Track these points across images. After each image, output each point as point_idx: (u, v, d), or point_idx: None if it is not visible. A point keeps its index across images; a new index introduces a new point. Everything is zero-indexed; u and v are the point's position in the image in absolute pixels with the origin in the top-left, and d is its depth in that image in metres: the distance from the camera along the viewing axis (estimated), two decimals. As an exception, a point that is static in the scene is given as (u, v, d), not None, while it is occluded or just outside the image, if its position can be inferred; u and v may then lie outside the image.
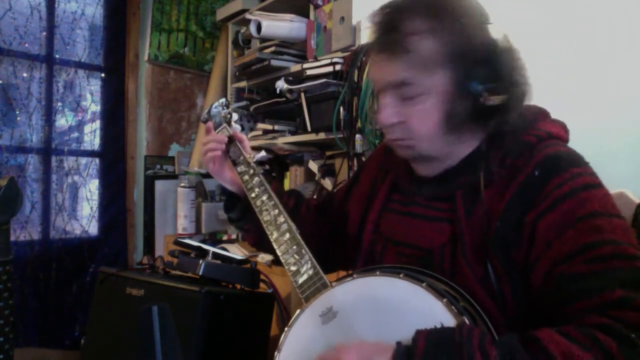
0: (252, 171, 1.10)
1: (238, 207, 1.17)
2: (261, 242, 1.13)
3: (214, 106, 1.22)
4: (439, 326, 0.74)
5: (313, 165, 2.16)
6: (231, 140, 1.16)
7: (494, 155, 0.86)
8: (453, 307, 0.76)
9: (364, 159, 1.77)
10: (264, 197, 1.06)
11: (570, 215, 0.77)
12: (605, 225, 0.75)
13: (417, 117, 0.85)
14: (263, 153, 1.24)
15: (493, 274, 0.80)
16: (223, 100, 1.24)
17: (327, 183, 2.04)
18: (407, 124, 0.86)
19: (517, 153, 0.84)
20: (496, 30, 0.84)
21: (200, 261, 1.51)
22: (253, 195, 1.07)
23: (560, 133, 0.89)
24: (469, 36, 0.82)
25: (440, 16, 0.82)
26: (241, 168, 1.12)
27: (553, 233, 0.77)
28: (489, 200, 0.84)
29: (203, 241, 2.16)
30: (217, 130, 1.19)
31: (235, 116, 1.22)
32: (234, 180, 1.15)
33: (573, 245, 0.75)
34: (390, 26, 0.85)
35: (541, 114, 0.92)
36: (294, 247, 0.96)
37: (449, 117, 0.84)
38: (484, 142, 0.88)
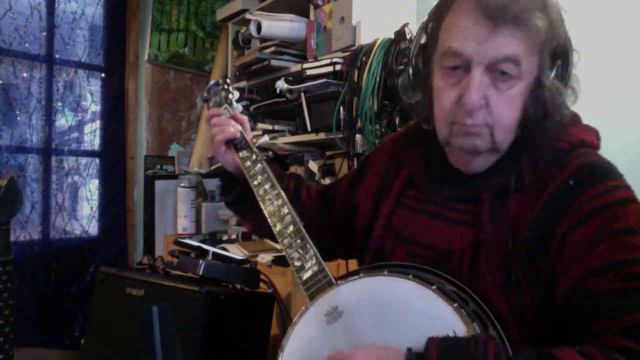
0: (254, 157, 1.04)
1: (235, 191, 1.11)
2: (260, 228, 1.09)
3: (212, 84, 1.15)
4: (448, 332, 0.72)
5: (313, 165, 2.17)
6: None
7: (526, 159, 0.82)
8: (463, 311, 0.74)
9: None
10: (267, 186, 1.00)
11: (603, 230, 0.74)
12: None
13: (503, 102, 0.78)
14: (266, 138, 1.16)
15: (515, 283, 0.77)
16: (222, 78, 1.17)
17: (327, 183, 2.04)
18: (490, 108, 0.79)
19: (549, 159, 0.81)
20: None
21: (200, 261, 1.51)
22: (255, 182, 1.01)
23: (593, 141, 0.85)
24: (562, 27, 0.80)
25: (550, 5, 0.79)
26: (243, 153, 1.05)
27: (584, 246, 0.74)
28: (518, 206, 0.80)
29: (203, 241, 2.16)
30: None
31: (236, 95, 1.15)
32: (236, 163, 1.08)
33: (605, 260, 0.72)
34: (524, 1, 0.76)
35: (574, 119, 0.87)
36: (298, 240, 0.92)
37: (527, 108, 0.80)
38: (515, 144, 0.84)
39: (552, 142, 0.82)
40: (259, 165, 1.03)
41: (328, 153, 2.14)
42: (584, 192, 0.76)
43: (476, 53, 0.77)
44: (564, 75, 0.82)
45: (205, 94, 1.16)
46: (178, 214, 2.62)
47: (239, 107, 1.14)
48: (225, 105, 1.12)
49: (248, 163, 1.04)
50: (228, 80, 1.17)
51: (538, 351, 0.69)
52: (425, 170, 0.94)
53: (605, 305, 0.71)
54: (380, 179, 1.03)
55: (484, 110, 0.79)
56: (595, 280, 0.72)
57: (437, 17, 0.85)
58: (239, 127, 1.08)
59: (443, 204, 0.89)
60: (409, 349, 0.71)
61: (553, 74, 0.80)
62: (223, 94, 1.14)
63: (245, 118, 1.12)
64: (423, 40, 0.89)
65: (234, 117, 1.10)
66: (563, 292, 0.75)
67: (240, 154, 1.06)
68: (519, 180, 0.81)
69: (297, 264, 0.91)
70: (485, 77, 0.78)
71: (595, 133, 0.87)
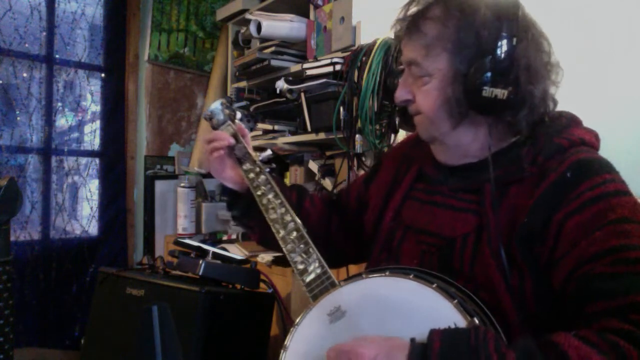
0: (258, 169, 1.08)
1: (240, 205, 1.16)
2: (266, 239, 1.12)
3: (216, 104, 1.19)
4: (449, 325, 0.73)
5: (313, 165, 2.17)
6: (236, 138, 1.13)
7: (526, 152, 0.87)
8: (463, 308, 0.76)
9: (364, 159, 1.77)
10: (270, 196, 1.04)
11: (599, 218, 0.77)
12: (634, 231, 0.75)
13: (420, 95, 0.91)
14: (269, 152, 1.20)
15: (515, 269, 0.81)
16: (226, 98, 1.21)
17: (327, 183, 2.04)
18: (415, 102, 0.92)
19: (548, 154, 0.85)
20: (524, 28, 0.85)
21: (200, 261, 1.51)
22: (259, 193, 1.05)
23: (592, 141, 0.89)
24: (478, 27, 0.84)
25: (454, 6, 0.87)
26: (247, 166, 1.10)
27: (580, 233, 0.77)
28: (517, 196, 0.85)
29: (203, 241, 2.16)
30: (221, 128, 1.16)
31: (239, 115, 1.20)
32: (235, 179, 1.13)
33: (600, 246, 0.75)
34: (418, 11, 0.92)
35: (574, 121, 0.92)
36: (302, 245, 0.95)
37: (447, 101, 0.87)
38: (518, 140, 0.89)
39: (552, 138, 0.87)
40: (262, 177, 1.07)
41: (328, 153, 2.14)
42: (581, 183, 0.80)
43: (402, 59, 0.95)
44: (500, 70, 0.83)
45: (209, 113, 1.19)
46: (178, 214, 2.62)
47: (240, 124, 1.18)
48: (229, 122, 1.16)
49: (252, 175, 1.08)
50: (231, 99, 1.24)
51: (537, 338, 0.71)
52: (434, 163, 0.99)
53: (600, 288, 0.73)
54: (393, 175, 1.08)
55: (411, 104, 0.94)
56: (591, 265, 0.75)
57: None
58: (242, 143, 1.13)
59: (449, 194, 0.94)
60: (413, 339, 0.72)
61: (475, 64, 0.83)
62: (227, 111, 1.18)
63: (247, 131, 1.17)
64: None
65: (237, 133, 1.14)
66: (561, 278, 0.78)
67: (244, 166, 1.10)
68: (518, 171, 0.86)
69: (300, 267, 0.93)
70: (408, 77, 0.94)
71: (595, 135, 0.91)
